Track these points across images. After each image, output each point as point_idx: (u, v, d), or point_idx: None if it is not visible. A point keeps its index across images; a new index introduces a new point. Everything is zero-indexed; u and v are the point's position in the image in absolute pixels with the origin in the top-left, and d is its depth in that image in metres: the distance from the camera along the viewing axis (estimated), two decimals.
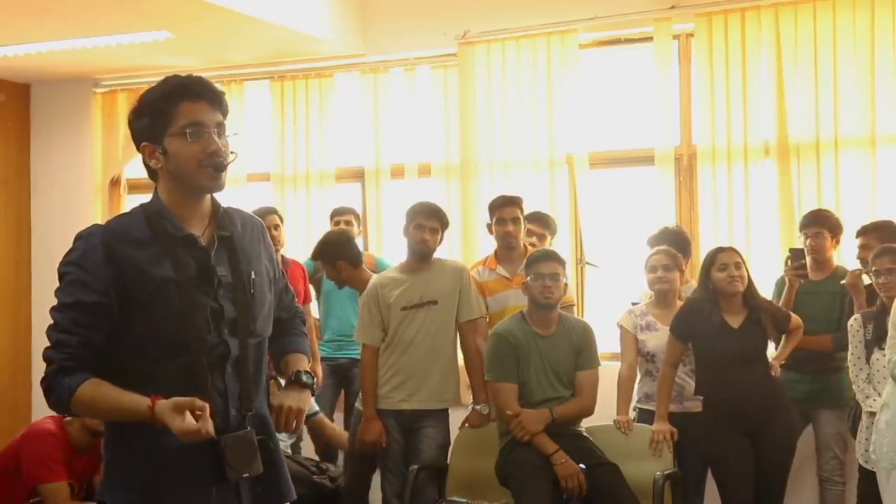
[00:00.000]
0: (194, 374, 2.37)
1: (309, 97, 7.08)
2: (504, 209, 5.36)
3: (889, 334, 4.25)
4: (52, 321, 2.37)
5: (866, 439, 4.52)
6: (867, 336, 4.68)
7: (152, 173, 2.48)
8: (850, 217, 5.57)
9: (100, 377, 2.35)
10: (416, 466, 4.91)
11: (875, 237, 5.07)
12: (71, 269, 2.37)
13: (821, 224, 5.29)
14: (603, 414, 4.99)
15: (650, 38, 6.18)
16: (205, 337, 2.41)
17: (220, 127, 2.43)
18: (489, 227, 5.49)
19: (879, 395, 4.49)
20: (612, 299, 6.05)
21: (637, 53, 6.41)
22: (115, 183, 7.63)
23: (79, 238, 2.42)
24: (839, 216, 5.54)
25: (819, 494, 5.38)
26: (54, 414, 4.79)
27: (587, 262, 6.38)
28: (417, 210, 5.08)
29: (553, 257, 4.87)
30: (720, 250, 4.89)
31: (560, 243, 6.20)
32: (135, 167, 7.64)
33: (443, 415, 5.09)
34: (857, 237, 5.23)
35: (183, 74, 2.47)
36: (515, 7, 6.46)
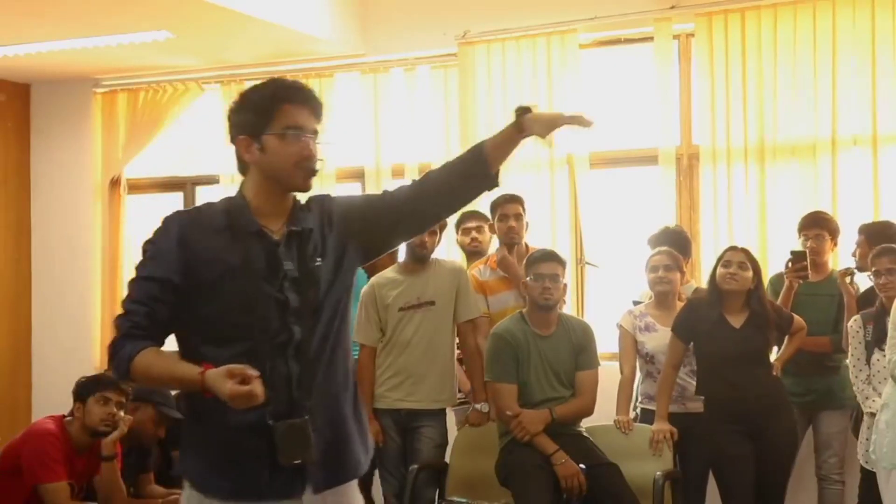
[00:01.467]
0: (257, 359, 2.43)
1: None
2: (506, 206, 5.39)
3: (889, 334, 4.25)
4: (127, 291, 2.53)
5: (867, 440, 4.52)
6: (867, 337, 4.69)
7: (242, 167, 2.60)
8: (849, 218, 5.57)
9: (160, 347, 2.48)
10: (415, 466, 4.91)
11: (864, 239, 5.10)
12: (148, 246, 2.54)
13: (820, 226, 5.30)
14: (603, 414, 4.99)
15: (650, 38, 6.18)
16: (268, 324, 2.50)
17: (316, 134, 2.56)
18: (491, 226, 5.51)
19: (879, 395, 4.49)
20: (612, 299, 6.04)
21: (637, 53, 6.41)
22: (115, 183, 7.62)
23: (161, 221, 2.58)
24: (838, 216, 5.55)
25: (818, 493, 5.38)
26: (54, 414, 4.82)
27: (587, 262, 6.37)
28: None
29: (553, 258, 4.87)
30: (731, 248, 4.91)
31: (560, 243, 6.20)
32: (135, 167, 7.65)
33: (440, 415, 5.09)
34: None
35: (289, 79, 2.62)
36: (515, 7, 6.46)
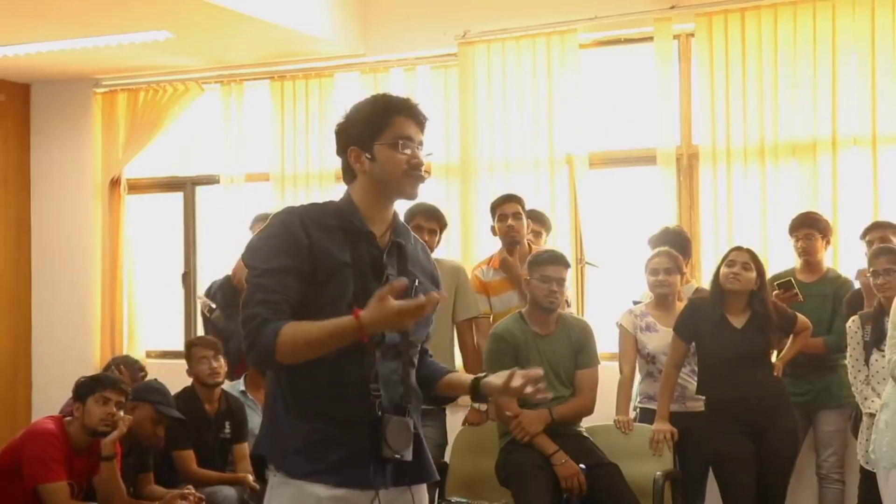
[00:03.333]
0: (358, 356, 2.54)
1: (309, 97, 7.07)
2: (505, 206, 5.39)
3: (889, 334, 4.25)
4: (251, 288, 2.56)
5: (867, 440, 4.53)
6: (866, 337, 4.68)
7: (349, 175, 2.71)
8: (849, 217, 5.57)
9: None
10: None
11: (894, 233, 5.07)
12: (271, 241, 2.59)
13: (810, 226, 5.30)
14: (603, 414, 4.99)
15: (650, 38, 6.18)
16: None
17: (422, 146, 2.70)
18: (493, 228, 5.50)
19: (879, 396, 4.49)
20: (612, 299, 6.04)
21: (637, 53, 6.41)
22: (115, 183, 7.62)
23: (276, 217, 2.65)
24: (838, 216, 5.54)
25: (818, 492, 5.39)
26: (54, 414, 4.82)
27: (587, 262, 6.37)
28: (417, 211, 5.08)
29: (561, 261, 4.85)
30: (736, 248, 4.90)
31: (560, 243, 6.19)
32: (134, 167, 7.65)
33: (440, 414, 5.09)
34: (864, 237, 5.21)
35: (398, 95, 2.76)
36: (515, 7, 6.46)
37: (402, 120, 2.66)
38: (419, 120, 2.70)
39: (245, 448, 5.29)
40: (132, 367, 5.64)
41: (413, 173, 2.64)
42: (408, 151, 2.64)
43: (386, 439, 2.57)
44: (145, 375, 5.61)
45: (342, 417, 2.56)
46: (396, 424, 2.60)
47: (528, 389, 2.59)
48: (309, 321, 2.50)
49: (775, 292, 5.08)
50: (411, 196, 2.70)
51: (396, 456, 2.59)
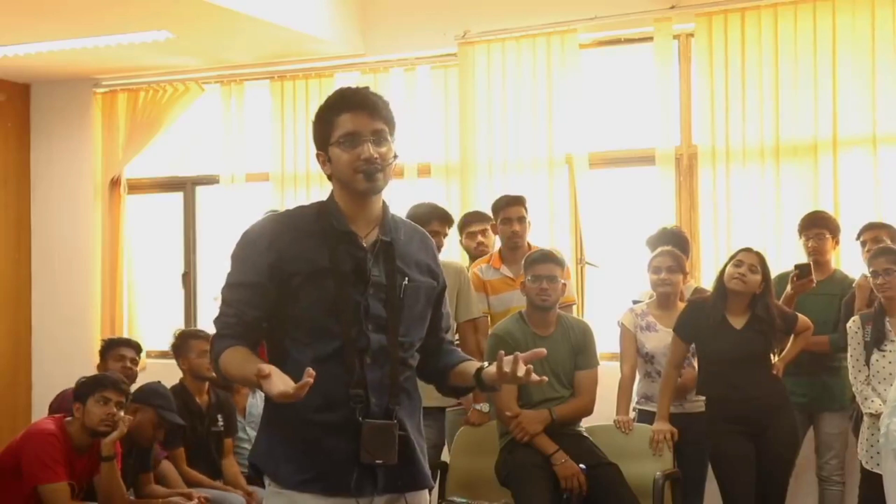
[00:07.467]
0: (343, 361, 2.55)
1: (309, 97, 7.07)
2: (509, 209, 5.39)
3: None
4: (221, 297, 2.66)
5: (867, 440, 4.52)
6: (866, 337, 4.68)
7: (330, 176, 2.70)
8: (849, 218, 5.57)
9: (246, 347, 2.58)
10: None
11: (887, 233, 5.07)
12: (238, 252, 2.65)
13: (820, 226, 5.29)
14: (603, 414, 4.99)
15: (650, 38, 6.18)
16: (349, 328, 2.57)
17: (378, 134, 2.59)
18: (493, 227, 5.51)
19: (879, 396, 4.48)
20: (612, 299, 6.04)
21: (637, 53, 6.41)
22: (115, 183, 7.62)
23: (250, 229, 2.68)
24: (838, 217, 5.54)
25: (819, 494, 5.38)
26: (54, 414, 4.82)
27: (587, 262, 6.37)
28: (434, 216, 5.12)
29: (551, 259, 4.85)
30: (745, 249, 4.85)
31: (560, 243, 6.19)
32: (135, 167, 7.65)
33: (439, 414, 5.09)
34: (858, 237, 5.22)
35: (350, 87, 2.69)
36: (515, 7, 6.46)
37: (347, 117, 2.58)
38: (371, 109, 2.59)
39: (232, 443, 5.35)
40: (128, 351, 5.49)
41: (361, 168, 2.56)
42: (355, 149, 2.56)
43: (363, 444, 2.54)
44: (136, 361, 5.52)
45: (327, 424, 2.55)
46: (377, 429, 2.56)
47: (520, 372, 2.51)
48: (240, 355, 2.54)
49: (793, 275, 5.08)
50: (370, 191, 2.60)
51: (377, 462, 2.55)
